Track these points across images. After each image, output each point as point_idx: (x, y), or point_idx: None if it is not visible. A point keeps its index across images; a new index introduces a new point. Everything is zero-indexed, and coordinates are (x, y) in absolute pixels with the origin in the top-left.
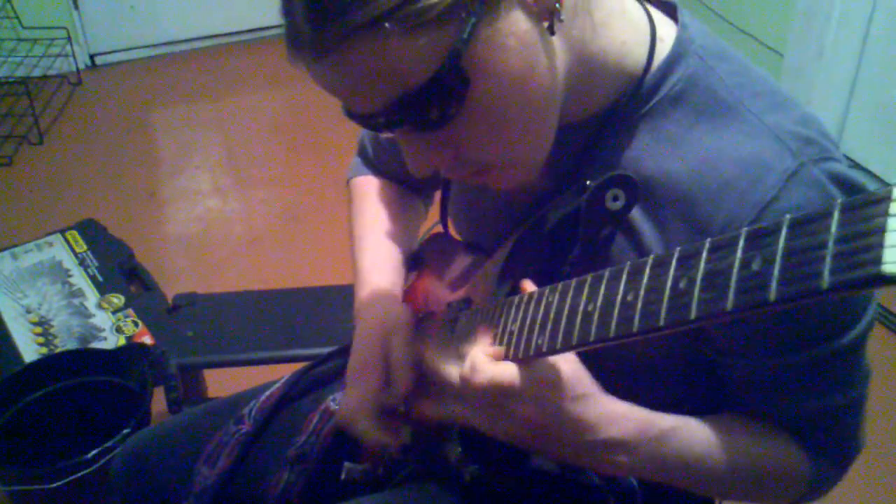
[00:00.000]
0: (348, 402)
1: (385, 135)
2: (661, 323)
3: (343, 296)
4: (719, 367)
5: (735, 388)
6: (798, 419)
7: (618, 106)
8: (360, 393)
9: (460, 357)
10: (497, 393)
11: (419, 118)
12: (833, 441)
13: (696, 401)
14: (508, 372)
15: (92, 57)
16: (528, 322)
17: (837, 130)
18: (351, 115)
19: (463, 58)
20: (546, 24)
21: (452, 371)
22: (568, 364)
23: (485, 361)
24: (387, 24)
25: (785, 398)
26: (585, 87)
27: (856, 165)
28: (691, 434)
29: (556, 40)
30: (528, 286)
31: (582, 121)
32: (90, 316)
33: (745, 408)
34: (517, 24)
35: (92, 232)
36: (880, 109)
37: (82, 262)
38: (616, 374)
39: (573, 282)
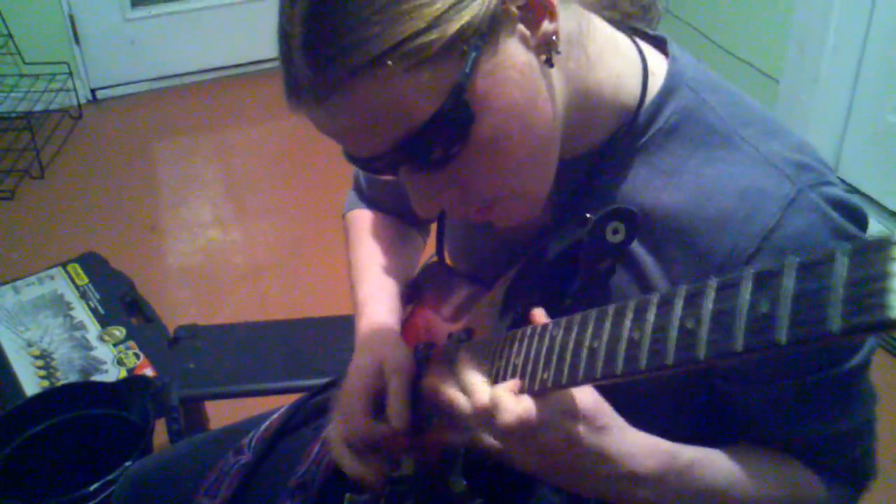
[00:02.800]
0: (331, 433)
1: (385, 177)
2: (670, 362)
3: (343, 326)
4: (726, 394)
5: (743, 416)
6: (808, 446)
7: (614, 140)
8: (343, 424)
9: (468, 388)
10: (524, 428)
11: (424, 157)
12: (845, 466)
13: (704, 429)
14: (532, 406)
15: (93, 91)
16: (535, 355)
17: (834, 156)
18: (353, 159)
19: (466, 92)
20: (544, 57)
21: (463, 402)
22: (589, 396)
23: (509, 398)
24: (389, 62)
25: (793, 425)
26: (583, 121)
27: (852, 190)
28: (713, 466)
29: (554, 73)
30: (539, 315)
31: (579, 155)
32: (91, 348)
33: (755, 436)
34: (517, 56)
35: (93, 264)
36: (876, 134)
37: (83, 295)
38: (624, 404)
39: (578, 316)
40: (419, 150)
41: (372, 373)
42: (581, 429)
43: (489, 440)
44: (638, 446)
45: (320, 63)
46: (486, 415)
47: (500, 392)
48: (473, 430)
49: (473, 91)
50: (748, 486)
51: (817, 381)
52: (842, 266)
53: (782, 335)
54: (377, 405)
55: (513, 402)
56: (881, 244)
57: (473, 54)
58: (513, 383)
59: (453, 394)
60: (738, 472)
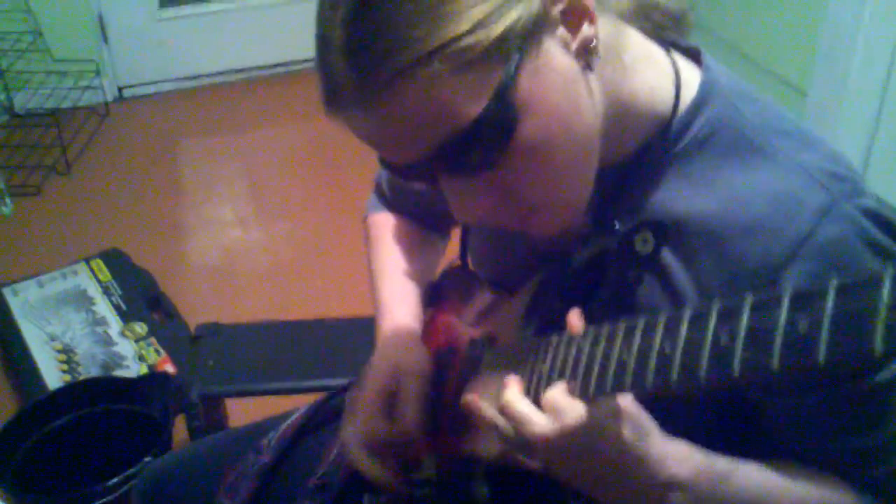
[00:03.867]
0: (345, 434)
1: (420, 185)
2: (703, 377)
3: (364, 327)
4: (761, 407)
5: (773, 428)
6: (840, 459)
7: (647, 149)
8: (357, 425)
9: (496, 394)
10: (584, 432)
11: (466, 161)
12: (878, 481)
13: (733, 443)
14: (585, 409)
15: (120, 89)
16: (562, 366)
17: (861, 168)
18: (392, 166)
19: (511, 93)
20: (584, 62)
21: (491, 410)
22: (630, 400)
23: (570, 401)
24: (435, 64)
25: (824, 438)
26: (618, 130)
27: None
28: (747, 477)
29: (592, 79)
30: (574, 317)
31: (612, 164)
32: (113, 344)
33: (785, 449)
34: (558, 59)
35: (116, 261)
36: None
37: (106, 291)
38: (658, 411)
39: (606, 328)
40: (462, 154)
41: (388, 375)
42: (628, 433)
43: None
44: (677, 452)
45: (364, 66)
46: (543, 434)
47: (557, 395)
48: (507, 446)
49: (517, 93)
50: (781, 498)
51: (849, 394)
52: (887, 290)
53: (821, 355)
54: (392, 407)
55: (571, 406)
56: None
57: (517, 56)
58: (567, 386)
59: (485, 403)
60: (771, 483)
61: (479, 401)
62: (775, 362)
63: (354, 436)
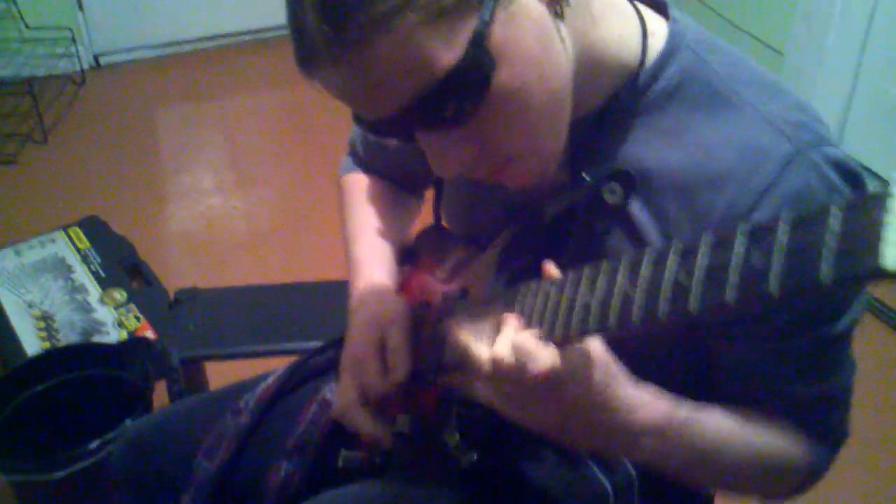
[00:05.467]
0: (342, 395)
1: (395, 142)
2: (661, 315)
3: (343, 291)
4: (716, 352)
5: (732, 375)
6: (793, 406)
7: (615, 100)
8: (354, 384)
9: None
10: (556, 375)
11: (443, 112)
12: (825, 427)
13: (692, 390)
14: (558, 354)
15: (96, 57)
16: (529, 313)
17: (838, 129)
18: (368, 123)
19: (485, 41)
20: (554, 12)
21: (484, 352)
22: (600, 345)
23: (538, 346)
24: (408, 13)
25: (779, 384)
26: (587, 80)
27: (860, 166)
28: (709, 421)
29: (563, 28)
30: (551, 267)
31: (581, 116)
32: (92, 311)
33: (742, 396)
34: (531, 7)
35: (94, 229)
36: (881, 109)
37: (85, 259)
38: (622, 360)
39: (572, 274)
40: (438, 106)
41: (371, 328)
42: (598, 377)
43: (493, 396)
44: (645, 398)
45: (337, 19)
46: (515, 366)
47: (528, 340)
48: (478, 386)
49: (492, 41)
50: (741, 442)
51: (804, 343)
52: (835, 219)
53: (775, 287)
54: (382, 361)
55: (543, 350)
56: (875, 198)
57: (491, 3)
58: (535, 332)
59: (475, 346)
60: (732, 428)
61: (460, 334)
62: (730, 296)
63: (349, 394)
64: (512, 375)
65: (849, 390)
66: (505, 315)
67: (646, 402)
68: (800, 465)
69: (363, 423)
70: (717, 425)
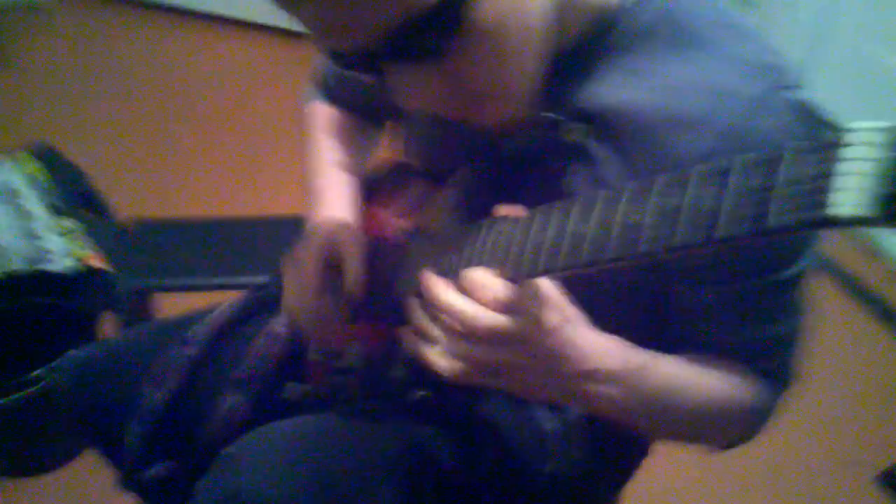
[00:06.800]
0: (292, 290)
1: (365, 76)
2: (611, 255)
3: (298, 226)
4: (672, 296)
5: (685, 318)
6: (744, 347)
7: (589, 39)
8: (301, 278)
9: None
10: (503, 310)
11: (418, 46)
12: (775, 369)
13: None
14: (512, 289)
15: None
16: (482, 250)
17: (809, 79)
18: (338, 57)
19: None
20: None
21: (443, 292)
22: (554, 287)
23: (492, 278)
24: None
25: (732, 326)
26: (563, 18)
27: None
28: (665, 367)
29: None
30: (504, 210)
31: (554, 55)
32: (40, 238)
33: (695, 339)
34: None
35: (45, 155)
36: (850, 63)
37: (34, 185)
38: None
39: (526, 212)
40: (412, 40)
41: (325, 240)
42: (553, 317)
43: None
44: (601, 342)
45: None
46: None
47: (479, 272)
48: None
49: None
50: (694, 389)
51: (756, 286)
52: (787, 164)
53: (720, 230)
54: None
55: (494, 281)
56: (828, 144)
57: None
58: (487, 269)
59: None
60: (686, 374)
61: (436, 282)
62: (679, 238)
63: (298, 288)
64: (463, 310)
65: (796, 334)
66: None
67: (603, 349)
68: (750, 407)
69: (319, 310)
70: (671, 372)
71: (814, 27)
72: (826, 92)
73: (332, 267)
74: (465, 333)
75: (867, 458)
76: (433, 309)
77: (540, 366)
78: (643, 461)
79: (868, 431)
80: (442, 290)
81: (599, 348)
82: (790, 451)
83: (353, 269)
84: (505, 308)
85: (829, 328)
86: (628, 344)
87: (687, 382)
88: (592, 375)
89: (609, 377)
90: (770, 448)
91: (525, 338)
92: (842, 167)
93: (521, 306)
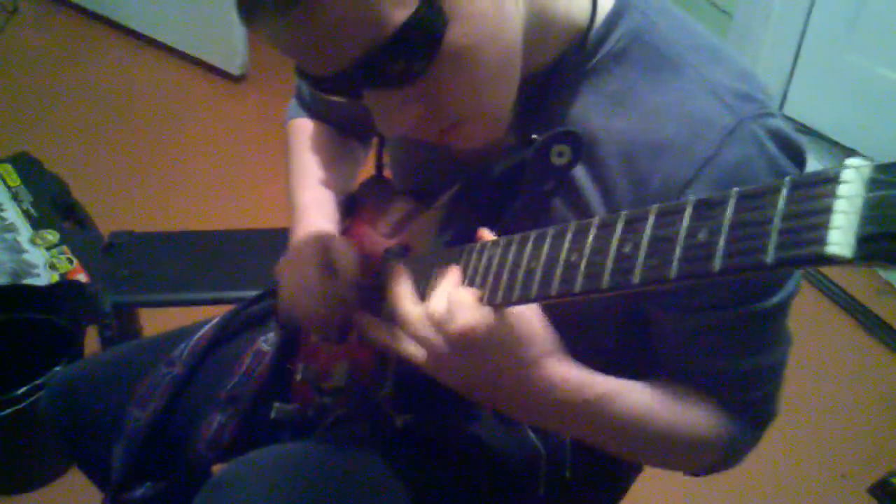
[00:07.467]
0: (288, 287)
1: (341, 99)
2: (604, 285)
3: (283, 239)
4: (651, 321)
5: (663, 345)
6: (722, 379)
7: (563, 61)
8: (296, 275)
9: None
10: (479, 336)
11: (393, 70)
12: (751, 405)
13: (631, 363)
14: (491, 313)
15: None
16: (473, 273)
17: (783, 91)
18: (314, 79)
19: None
20: None
21: (413, 309)
22: (540, 319)
23: (471, 303)
24: None
25: (710, 357)
26: (537, 40)
27: (799, 125)
28: (631, 397)
29: None
30: (487, 235)
31: (528, 76)
32: (23, 252)
33: (673, 367)
34: None
35: (26, 166)
36: (826, 71)
37: (15, 197)
38: (556, 330)
39: (517, 237)
40: (388, 64)
41: (319, 249)
42: (534, 351)
43: (424, 355)
44: (578, 378)
45: None
46: (444, 318)
47: (464, 294)
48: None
49: None
50: (659, 420)
51: (739, 316)
52: (783, 199)
53: (717, 264)
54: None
55: (477, 305)
56: (825, 180)
57: None
58: (473, 290)
59: (407, 301)
60: (651, 405)
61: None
62: (674, 271)
63: (294, 286)
64: (442, 328)
65: (778, 368)
66: (449, 268)
67: (579, 385)
68: (718, 442)
69: (316, 309)
70: (639, 401)
71: (788, 34)
72: (800, 98)
73: (328, 272)
74: (439, 324)
75: (860, 469)
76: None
77: (508, 390)
78: (636, 477)
79: (860, 443)
80: (414, 304)
81: (575, 383)
82: (784, 462)
83: (350, 272)
84: (481, 330)
85: (820, 341)
86: (594, 372)
87: (650, 415)
88: (562, 405)
89: (576, 408)
90: (764, 460)
91: (499, 367)
92: (839, 204)
93: (500, 330)
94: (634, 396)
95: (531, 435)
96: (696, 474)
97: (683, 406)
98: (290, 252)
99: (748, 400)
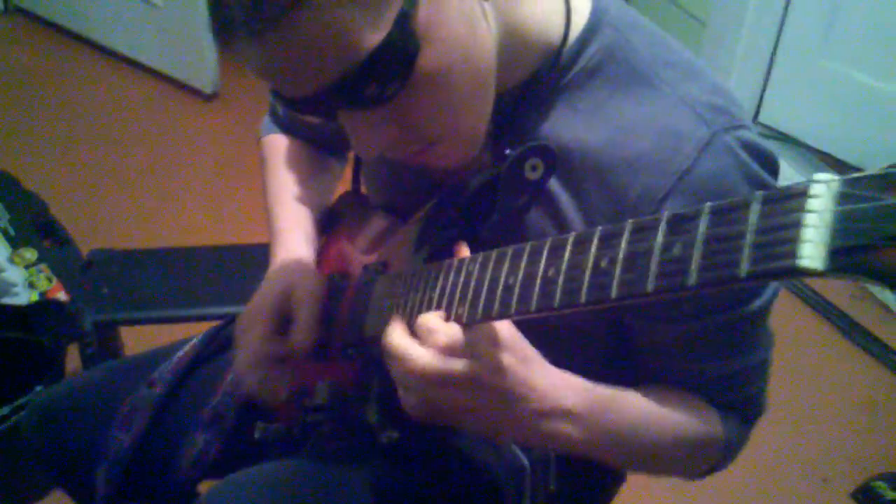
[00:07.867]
0: (237, 354)
1: (316, 120)
2: (582, 300)
3: (263, 254)
4: (635, 332)
5: (649, 354)
6: (708, 382)
7: (537, 78)
8: (247, 343)
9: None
10: (453, 353)
11: (366, 93)
12: (741, 403)
13: (615, 373)
14: (460, 331)
15: (5, 1)
16: (452, 290)
17: (757, 98)
18: (289, 101)
19: (411, 21)
20: None
21: (396, 337)
22: (508, 328)
23: (439, 322)
24: None
25: (696, 362)
26: (511, 57)
27: (775, 132)
28: (627, 402)
29: (488, 6)
30: (463, 250)
31: (503, 92)
32: (1, 270)
33: (659, 375)
34: None
35: (3, 184)
36: (801, 77)
37: None
38: (541, 343)
39: (494, 253)
40: (361, 86)
41: (280, 296)
42: (508, 359)
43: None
44: (559, 381)
45: None
46: (420, 341)
47: (430, 317)
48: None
49: (417, 20)
50: (658, 424)
51: (722, 322)
52: (755, 213)
53: (692, 278)
54: (285, 330)
55: (443, 326)
56: (795, 194)
57: None
58: (438, 313)
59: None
60: (649, 409)
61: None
62: (650, 284)
63: (244, 353)
64: (414, 357)
65: (764, 365)
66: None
67: (564, 386)
68: (715, 442)
69: (252, 382)
70: (635, 408)
71: (761, 42)
72: (774, 105)
73: (285, 321)
74: (419, 376)
75: (841, 473)
76: (387, 355)
77: (496, 406)
78: (620, 487)
79: (841, 447)
80: (396, 336)
81: (557, 386)
82: (765, 468)
83: (300, 335)
84: (455, 352)
85: (799, 346)
86: (588, 381)
87: (649, 419)
88: (550, 414)
89: (568, 415)
90: (747, 466)
91: (476, 380)
92: (809, 218)
93: (472, 350)
94: (632, 402)
95: (515, 449)
96: (690, 478)
97: (679, 409)
98: (251, 303)
99: (738, 398)
